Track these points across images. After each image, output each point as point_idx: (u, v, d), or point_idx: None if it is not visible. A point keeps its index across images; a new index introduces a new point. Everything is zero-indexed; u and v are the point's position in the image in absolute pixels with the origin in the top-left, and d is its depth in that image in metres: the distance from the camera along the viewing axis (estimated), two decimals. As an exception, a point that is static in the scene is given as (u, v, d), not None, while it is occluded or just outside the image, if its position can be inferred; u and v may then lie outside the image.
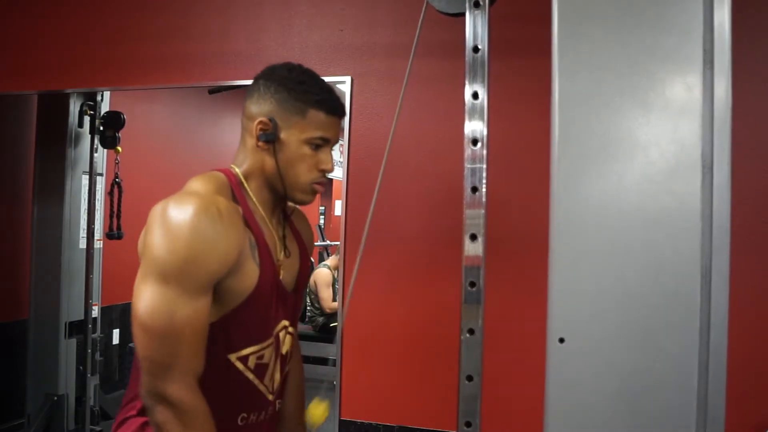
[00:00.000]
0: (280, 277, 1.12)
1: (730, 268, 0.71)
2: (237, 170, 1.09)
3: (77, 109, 3.11)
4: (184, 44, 2.35)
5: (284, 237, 1.16)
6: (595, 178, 0.75)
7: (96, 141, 3.16)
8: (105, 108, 3.18)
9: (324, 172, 1.09)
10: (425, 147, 2.10)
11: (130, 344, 3.76)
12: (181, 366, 0.92)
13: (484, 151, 0.97)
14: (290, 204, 1.20)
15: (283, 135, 1.06)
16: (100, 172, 3.25)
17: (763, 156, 1.81)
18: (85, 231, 3.18)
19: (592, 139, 0.76)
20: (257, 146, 1.07)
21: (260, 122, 1.06)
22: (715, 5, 0.72)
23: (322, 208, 7.70)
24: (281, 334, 1.14)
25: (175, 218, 0.93)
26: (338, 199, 6.57)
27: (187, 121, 4.44)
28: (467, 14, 1.00)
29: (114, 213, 3.14)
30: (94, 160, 3.18)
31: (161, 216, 0.95)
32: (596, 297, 0.75)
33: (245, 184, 1.09)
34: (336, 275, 4.65)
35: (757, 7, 1.82)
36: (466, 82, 0.99)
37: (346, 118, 2.13)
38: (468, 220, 0.97)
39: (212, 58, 2.32)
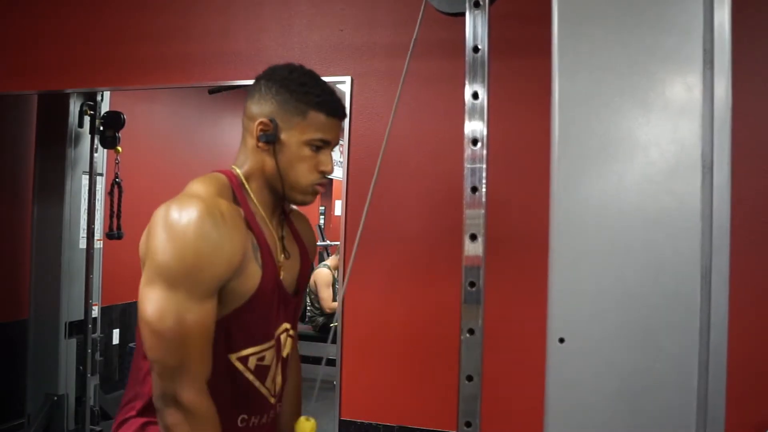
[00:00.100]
0: (281, 278, 1.12)
1: (730, 268, 0.71)
2: (238, 171, 1.09)
3: (77, 109, 3.11)
4: (184, 44, 2.35)
5: (283, 238, 1.16)
6: (595, 178, 0.75)
7: (96, 141, 3.17)
8: (105, 108, 3.19)
9: (324, 173, 1.09)
10: (425, 147, 2.10)
11: (131, 344, 3.76)
12: (191, 369, 0.93)
13: (484, 151, 0.97)
14: (290, 205, 1.20)
15: (283, 136, 1.06)
16: (100, 172, 3.25)
17: (763, 156, 1.81)
18: (85, 231, 3.18)
19: (592, 139, 0.76)
20: (258, 147, 1.07)
21: (261, 123, 1.06)
22: (715, 5, 0.72)
23: (322, 208, 7.71)
24: (282, 337, 1.14)
25: (180, 222, 0.94)
26: (338, 199, 6.57)
27: (187, 121, 4.44)
28: (467, 14, 0.99)
29: (114, 213, 3.14)
30: (94, 160, 3.18)
31: (165, 220, 0.95)
32: (596, 297, 0.75)
33: (246, 186, 1.09)
34: (336, 275, 4.65)
35: (757, 7, 1.82)
36: (466, 82, 0.99)
37: (346, 119, 2.13)
38: (468, 220, 0.97)
39: (212, 58, 2.31)
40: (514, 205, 1.97)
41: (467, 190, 0.97)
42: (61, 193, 3.07)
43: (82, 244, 3.18)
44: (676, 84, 0.73)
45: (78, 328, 3.13)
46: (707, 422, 0.70)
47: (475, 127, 0.98)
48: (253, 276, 1.03)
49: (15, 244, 3.19)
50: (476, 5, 0.99)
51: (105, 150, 3.24)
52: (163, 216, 0.95)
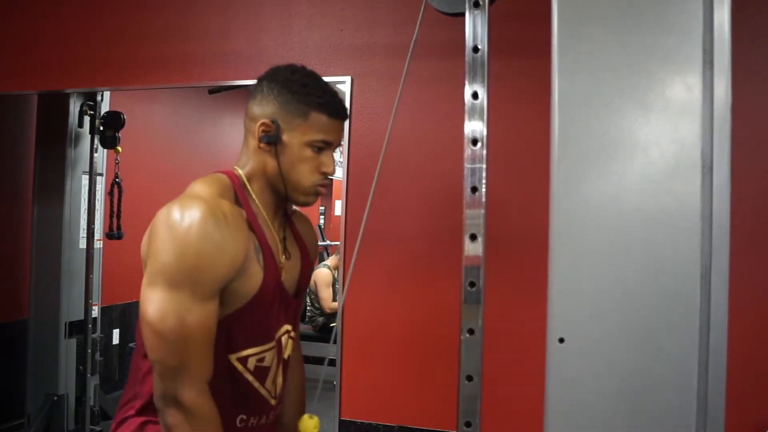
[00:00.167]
0: (282, 279, 1.12)
1: (729, 268, 0.71)
2: (240, 172, 1.09)
3: (77, 109, 3.11)
4: (184, 44, 2.35)
5: (285, 239, 1.16)
6: (595, 178, 0.75)
7: (96, 141, 3.17)
8: (105, 108, 3.19)
9: (326, 174, 1.09)
10: (425, 147, 2.10)
11: (130, 344, 3.76)
12: (192, 370, 0.93)
13: (484, 151, 0.97)
14: (292, 206, 1.20)
15: (285, 137, 1.06)
16: (100, 172, 3.25)
17: (763, 156, 1.81)
18: (85, 231, 3.18)
19: (592, 139, 0.76)
20: (259, 148, 1.07)
21: (263, 124, 1.06)
22: (715, 5, 0.72)
23: (322, 208, 7.71)
24: (283, 339, 1.14)
25: (182, 223, 0.94)
26: (338, 199, 6.57)
27: (187, 121, 4.44)
28: (467, 14, 0.99)
29: (114, 213, 3.14)
30: (94, 160, 3.18)
31: (167, 221, 0.95)
32: (596, 297, 0.75)
33: (248, 186, 1.09)
34: (336, 275, 4.65)
35: (757, 7, 1.82)
36: (466, 82, 0.99)
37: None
38: (468, 220, 0.97)
39: (212, 58, 2.32)
40: (514, 205, 1.97)
41: (467, 190, 0.97)
42: (61, 193, 3.07)
43: (82, 244, 3.18)
44: (675, 84, 0.73)
45: (78, 328, 3.13)
46: (707, 422, 0.70)
47: (474, 127, 0.98)
48: (255, 277, 1.03)
49: (15, 244, 3.19)
50: (476, 5, 0.99)
51: (105, 150, 3.24)
52: (165, 217, 0.96)
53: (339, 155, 3.18)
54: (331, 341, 1.72)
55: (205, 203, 0.96)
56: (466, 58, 0.99)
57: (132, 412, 1.06)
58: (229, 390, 1.05)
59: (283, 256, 1.14)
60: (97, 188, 3.20)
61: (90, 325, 3.15)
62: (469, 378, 0.96)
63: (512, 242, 1.95)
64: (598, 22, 0.76)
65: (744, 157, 1.71)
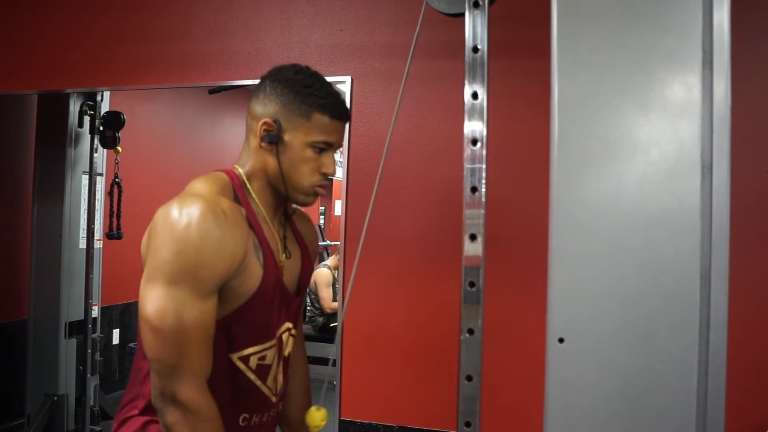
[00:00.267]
0: (283, 278, 1.12)
1: (729, 268, 0.71)
2: (240, 171, 1.10)
3: (77, 109, 3.11)
4: (184, 44, 2.35)
5: (285, 238, 1.16)
6: (595, 178, 0.75)
7: (96, 141, 3.17)
8: (105, 108, 3.19)
9: (326, 175, 1.09)
10: (425, 147, 2.10)
11: (131, 344, 3.76)
12: (190, 367, 0.93)
13: (484, 151, 0.97)
14: (292, 205, 1.20)
15: (286, 137, 1.06)
16: (100, 172, 3.25)
17: (762, 156, 1.81)
18: (85, 231, 3.18)
19: (592, 139, 0.76)
20: (261, 147, 1.07)
21: (264, 123, 1.06)
22: (715, 5, 0.72)
23: (322, 208, 7.71)
24: (284, 336, 1.14)
25: (181, 220, 0.94)
26: (338, 199, 6.57)
27: (186, 121, 4.44)
28: (467, 14, 0.99)
29: (114, 213, 3.14)
30: (94, 160, 3.18)
31: (166, 218, 0.95)
32: (596, 297, 0.75)
33: (248, 185, 1.09)
34: (336, 275, 4.65)
35: (757, 7, 1.82)
36: (466, 82, 0.99)
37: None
38: (467, 220, 0.97)
39: (212, 58, 2.32)
40: (514, 205, 1.97)
41: (467, 190, 0.97)
42: (61, 193, 3.08)
43: (82, 244, 3.18)
44: (675, 84, 0.73)
45: (78, 328, 3.13)
46: (707, 422, 0.70)
47: (474, 127, 0.98)
48: (255, 275, 1.03)
49: (15, 244, 3.19)
50: (475, 5, 0.99)
51: (105, 150, 3.24)
52: (165, 214, 0.96)
53: (339, 155, 3.19)
54: (336, 341, 1.72)
55: (204, 200, 0.96)
56: (466, 58, 0.99)
57: (135, 411, 1.06)
58: (231, 389, 1.05)
59: (284, 255, 1.14)
60: (97, 188, 3.20)
61: (90, 325, 3.15)
62: (469, 378, 0.96)
63: (512, 242, 1.95)
64: (598, 22, 0.76)
65: (743, 157, 1.71)
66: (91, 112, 3.12)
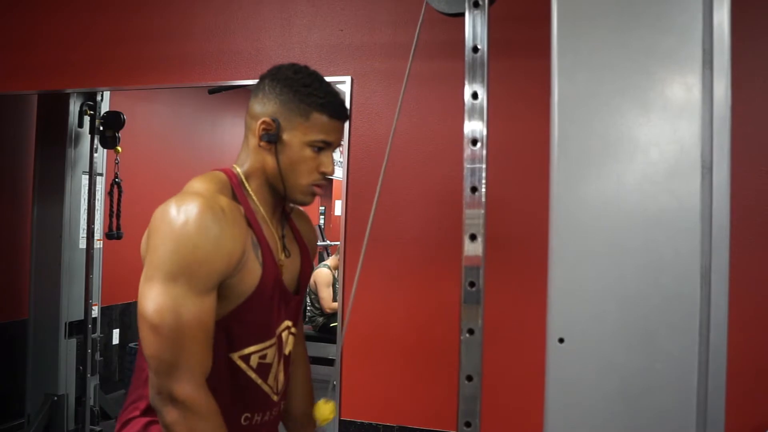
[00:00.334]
0: (282, 277, 1.12)
1: (729, 268, 0.71)
2: (238, 170, 1.10)
3: (77, 109, 3.11)
4: (184, 44, 2.35)
5: (283, 237, 1.16)
6: (595, 178, 0.75)
7: (96, 141, 3.17)
8: (105, 108, 3.19)
9: (325, 174, 1.09)
10: (425, 147, 2.10)
11: (131, 344, 3.76)
12: (189, 365, 0.92)
13: (484, 151, 0.97)
14: (291, 204, 1.20)
15: (285, 136, 1.06)
16: (100, 172, 3.25)
17: (762, 156, 1.81)
18: (85, 231, 3.18)
19: (592, 139, 0.76)
20: (259, 146, 1.07)
21: (263, 122, 1.06)
22: (715, 5, 0.72)
23: (322, 208, 7.70)
24: (284, 335, 1.14)
25: (179, 218, 0.94)
26: (338, 199, 6.57)
27: (186, 121, 4.44)
28: (467, 14, 0.99)
29: (114, 213, 3.14)
30: (94, 160, 3.18)
31: (165, 216, 0.95)
32: (596, 297, 0.75)
33: (246, 184, 1.09)
34: (336, 275, 4.65)
35: (757, 7, 1.82)
36: (466, 82, 0.99)
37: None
38: (467, 220, 0.97)
39: (211, 58, 2.32)
40: (514, 205, 1.97)
41: (467, 190, 0.97)
42: (61, 193, 3.08)
43: (82, 244, 3.18)
44: (675, 84, 0.73)
45: (78, 328, 3.13)
46: (707, 422, 0.70)
47: (474, 127, 0.98)
48: (253, 273, 1.03)
49: (15, 244, 3.19)
50: (476, 5, 0.99)
51: (105, 150, 3.24)
52: (163, 213, 0.96)
53: (339, 155, 3.19)
54: (338, 341, 1.72)
55: (202, 198, 0.96)
56: (466, 58, 0.99)
57: (137, 413, 1.06)
58: (233, 389, 1.05)
59: (283, 254, 1.14)
60: (97, 188, 3.20)
61: (90, 325, 3.15)
62: (469, 378, 0.96)
63: (512, 242, 1.95)
64: (598, 22, 0.76)
65: (743, 157, 1.71)
66: (91, 112, 3.12)
